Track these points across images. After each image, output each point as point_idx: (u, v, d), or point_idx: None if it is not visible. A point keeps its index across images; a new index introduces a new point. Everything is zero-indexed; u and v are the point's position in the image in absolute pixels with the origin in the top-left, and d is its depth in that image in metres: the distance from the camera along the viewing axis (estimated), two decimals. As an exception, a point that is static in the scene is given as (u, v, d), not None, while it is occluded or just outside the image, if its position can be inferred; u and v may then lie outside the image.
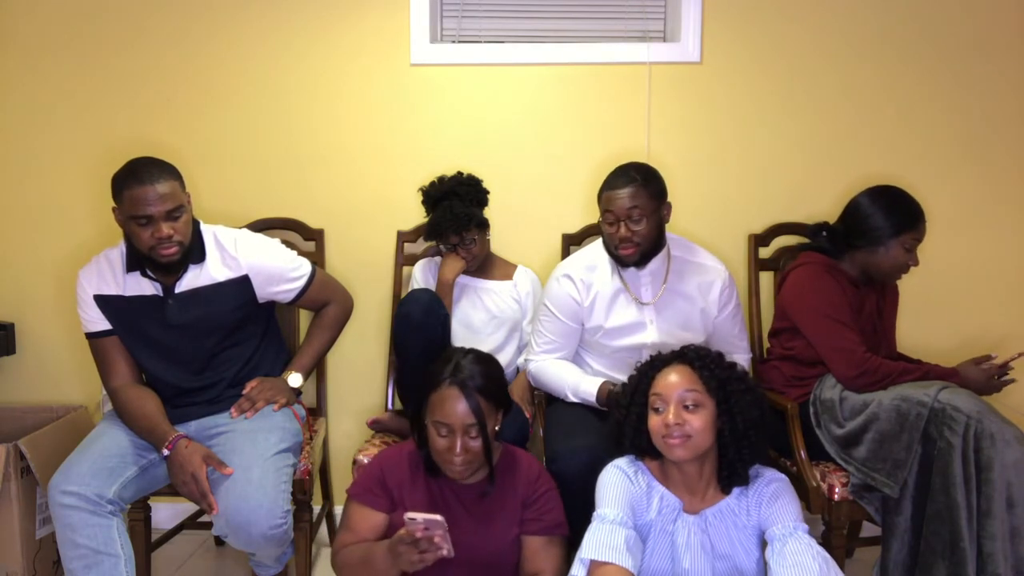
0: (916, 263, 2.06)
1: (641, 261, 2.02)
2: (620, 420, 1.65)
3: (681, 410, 1.53)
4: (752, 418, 1.57)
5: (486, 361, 1.70)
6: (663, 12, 2.57)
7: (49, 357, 2.55)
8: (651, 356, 1.68)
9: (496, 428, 1.68)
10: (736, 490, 1.60)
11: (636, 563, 1.49)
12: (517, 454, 1.77)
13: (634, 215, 1.95)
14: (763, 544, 1.57)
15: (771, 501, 1.56)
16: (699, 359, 1.60)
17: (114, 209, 1.84)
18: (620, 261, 2.03)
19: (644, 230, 1.97)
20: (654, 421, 1.56)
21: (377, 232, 2.52)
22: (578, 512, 1.66)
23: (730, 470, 1.58)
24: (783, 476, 1.62)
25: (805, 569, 1.44)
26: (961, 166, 2.50)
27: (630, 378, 1.70)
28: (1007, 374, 2.02)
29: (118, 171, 1.83)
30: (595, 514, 1.57)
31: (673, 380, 1.57)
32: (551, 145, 2.52)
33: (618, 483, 1.59)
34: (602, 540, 1.50)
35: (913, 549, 1.81)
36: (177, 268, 1.88)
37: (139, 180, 1.77)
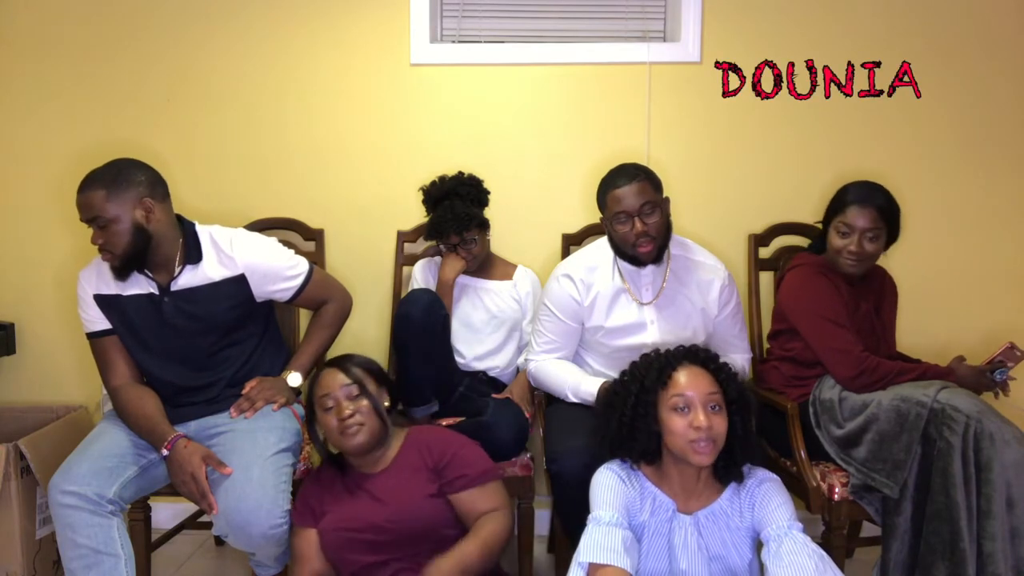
0: (857, 248, 2.01)
1: (657, 256, 2.02)
2: (625, 418, 1.60)
3: (709, 412, 1.52)
4: (756, 422, 1.58)
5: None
6: (663, 12, 2.57)
7: (49, 357, 2.55)
8: (658, 352, 1.63)
9: (386, 404, 1.79)
10: (728, 491, 1.59)
11: (633, 563, 1.49)
12: (424, 429, 1.86)
13: (646, 209, 1.95)
14: (757, 545, 1.57)
15: (764, 502, 1.56)
16: (712, 361, 1.59)
17: None
18: (638, 261, 2.01)
19: (657, 223, 1.97)
20: (677, 423, 1.52)
21: (377, 232, 2.52)
22: (577, 511, 1.65)
23: (728, 463, 1.58)
24: (774, 475, 1.62)
25: (802, 568, 1.43)
26: (960, 166, 2.50)
27: (634, 374, 1.63)
28: (1001, 370, 2.01)
29: None
30: (590, 517, 1.56)
31: (697, 381, 1.54)
32: (551, 145, 2.52)
33: (612, 485, 1.58)
34: (599, 542, 1.49)
35: (913, 549, 1.81)
36: (173, 268, 1.90)
37: (80, 186, 1.83)
